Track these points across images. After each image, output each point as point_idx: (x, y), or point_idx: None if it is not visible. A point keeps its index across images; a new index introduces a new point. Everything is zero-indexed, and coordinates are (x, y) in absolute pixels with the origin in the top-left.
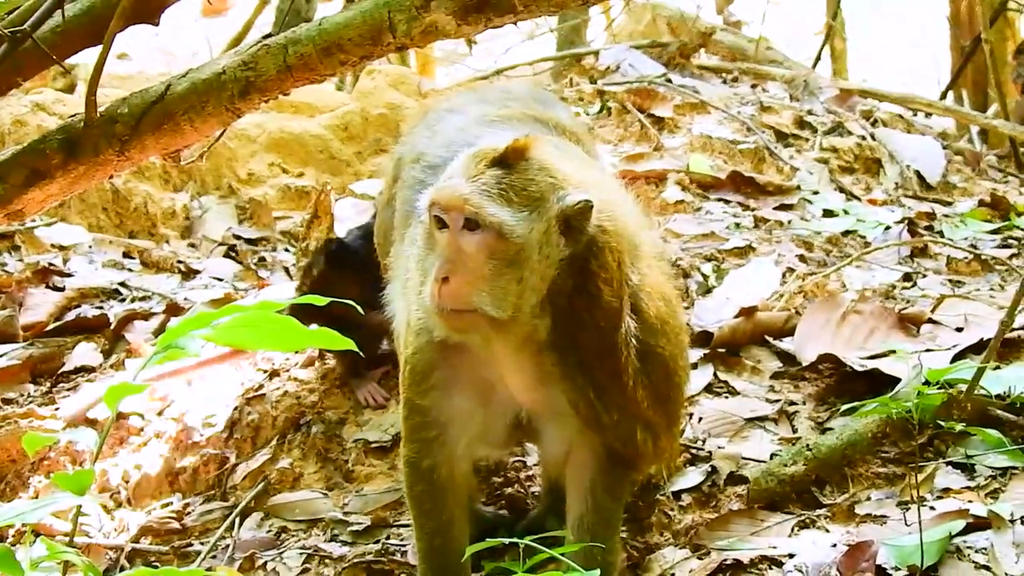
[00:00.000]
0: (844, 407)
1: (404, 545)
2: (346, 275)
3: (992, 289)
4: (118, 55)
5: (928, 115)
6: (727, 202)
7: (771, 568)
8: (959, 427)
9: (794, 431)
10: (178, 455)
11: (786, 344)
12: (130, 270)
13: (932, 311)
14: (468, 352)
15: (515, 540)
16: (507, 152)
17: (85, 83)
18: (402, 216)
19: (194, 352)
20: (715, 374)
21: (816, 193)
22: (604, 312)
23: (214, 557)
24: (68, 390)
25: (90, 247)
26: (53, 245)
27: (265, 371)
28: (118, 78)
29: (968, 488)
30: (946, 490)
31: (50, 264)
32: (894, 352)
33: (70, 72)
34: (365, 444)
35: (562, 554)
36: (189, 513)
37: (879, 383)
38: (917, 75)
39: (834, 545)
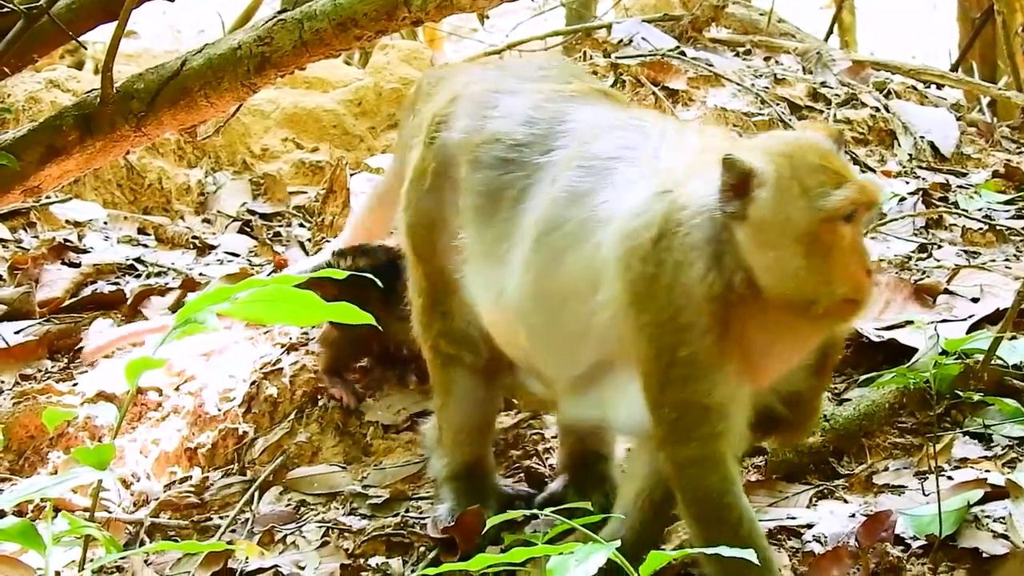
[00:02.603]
0: (861, 378)
1: (424, 518)
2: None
3: (1007, 259)
4: (126, 32)
5: (940, 87)
6: None
7: (790, 538)
8: (976, 397)
9: None
10: (196, 430)
11: None
12: (145, 246)
13: (948, 282)
14: (738, 338)
15: (535, 512)
16: (837, 140)
17: (94, 60)
18: (479, 198)
19: (213, 327)
20: None
21: None
22: None
23: (233, 531)
24: (86, 367)
25: (105, 223)
26: (68, 221)
27: (283, 345)
28: (125, 55)
29: (985, 458)
30: (963, 460)
31: (65, 240)
32: (911, 323)
33: (86, 48)
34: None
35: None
36: (208, 487)
37: (896, 354)
38: (924, 47)
39: (852, 515)
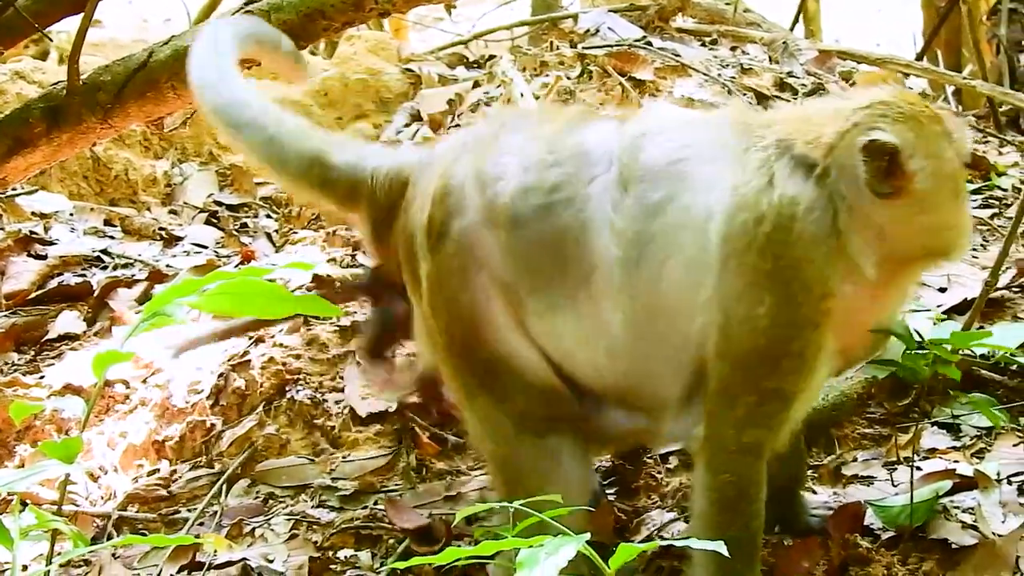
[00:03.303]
0: None
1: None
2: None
3: (974, 249)
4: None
5: (906, 76)
6: None
7: None
8: (954, 382)
9: None
10: (164, 423)
11: None
12: (112, 237)
13: None
14: (860, 314)
15: (505, 504)
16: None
17: (59, 50)
18: (533, 253)
19: (181, 320)
20: None
21: None
22: None
23: (201, 524)
24: (53, 358)
25: (71, 215)
26: (34, 213)
27: (250, 337)
28: (91, 45)
29: (954, 448)
30: (932, 450)
31: (31, 232)
32: None
33: (51, 39)
34: (352, 411)
35: (554, 519)
36: (176, 480)
37: None
38: (889, 36)
39: (822, 506)
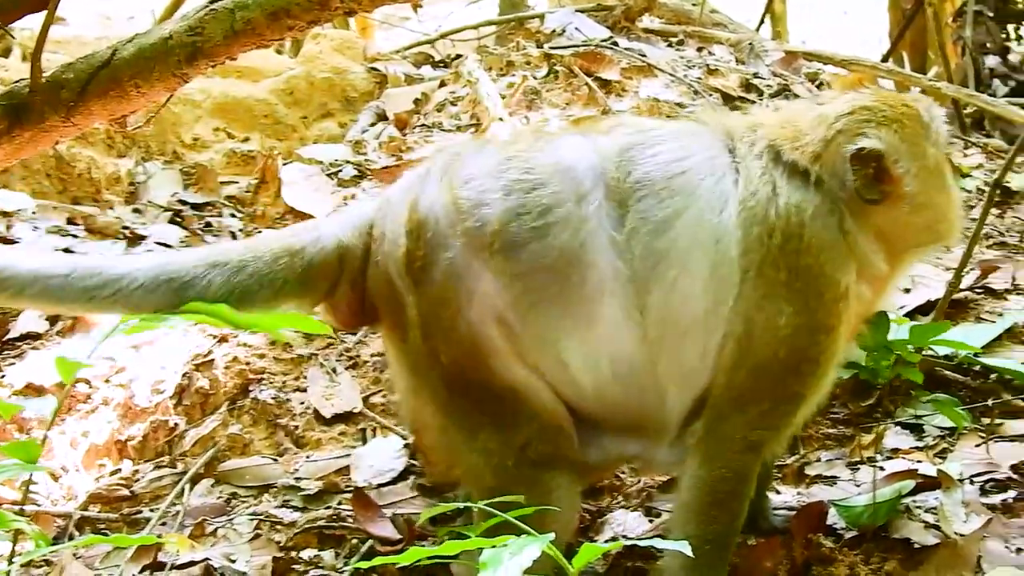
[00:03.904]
0: None
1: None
2: None
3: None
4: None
5: (872, 78)
6: None
7: None
8: (908, 388)
9: None
10: (126, 422)
11: None
12: (75, 236)
13: None
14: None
15: (469, 504)
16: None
17: (21, 47)
18: (531, 274)
19: (171, 325)
20: None
21: None
22: None
23: (164, 524)
24: (14, 358)
25: (34, 213)
26: None
27: (214, 336)
28: (54, 42)
29: (917, 448)
30: (895, 450)
31: None
32: None
33: (13, 36)
34: (316, 412)
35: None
36: (138, 480)
37: None
38: (855, 37)
39: (785, 506)
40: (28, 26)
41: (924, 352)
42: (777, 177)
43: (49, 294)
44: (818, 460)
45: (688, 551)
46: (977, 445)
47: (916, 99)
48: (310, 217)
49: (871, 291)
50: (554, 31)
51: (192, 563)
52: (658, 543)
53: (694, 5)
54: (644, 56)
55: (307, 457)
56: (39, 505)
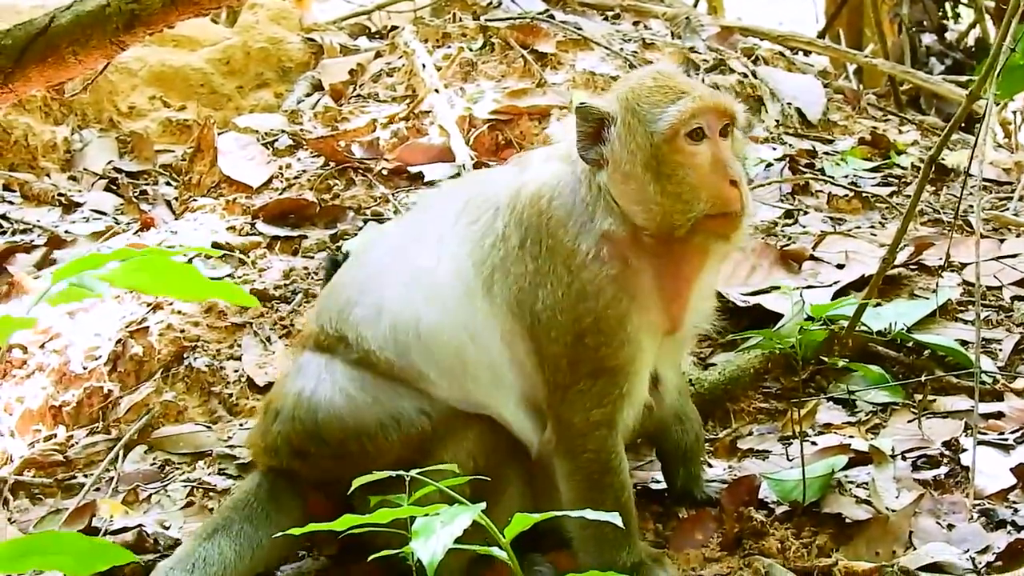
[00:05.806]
0: (727, 341)
1: None
2: None
3: (872, 226)
4: None
5: (807, 54)
6: None
7: (653, 502)
8: (841, 363)
9: None
10: (61, 388)
11: None
12: (10, 203)
13: (813, 248)
14: (648, 281)
15: (401, 473)
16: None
17: None
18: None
19: (98, 293)
20: None
21: None
22: None
23: (98, 490)
24: None
25: None
26: None
27: (148, 304)
28: None
29: (849, 423)
30: (827, 425)
31: None
32: (776, 288)
33: None
34: (249, 380)
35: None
36: (72, 446)
37: (761, 319)
38: (792, 13)
39: (717, 479)
40: None
41: (858, 328)
42: (536, 156)
43: None
44: (750, 434)
45: (619, 522)
46: (909, 421)
47: (684, 88)
48: (246, 186)
49: (657, 268)
50: (490, 3)
51: (125, 529)
52: (589, 514)
53: None
54: (580, 29)
55: (241, 425)
56: None
